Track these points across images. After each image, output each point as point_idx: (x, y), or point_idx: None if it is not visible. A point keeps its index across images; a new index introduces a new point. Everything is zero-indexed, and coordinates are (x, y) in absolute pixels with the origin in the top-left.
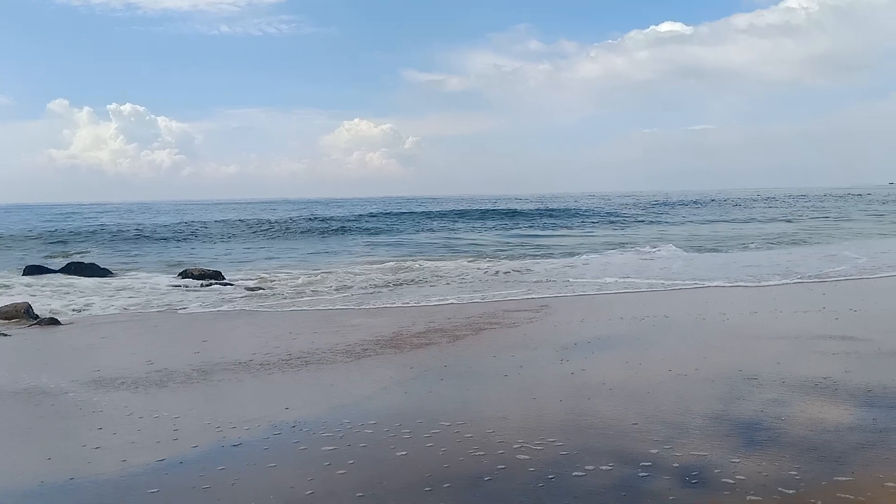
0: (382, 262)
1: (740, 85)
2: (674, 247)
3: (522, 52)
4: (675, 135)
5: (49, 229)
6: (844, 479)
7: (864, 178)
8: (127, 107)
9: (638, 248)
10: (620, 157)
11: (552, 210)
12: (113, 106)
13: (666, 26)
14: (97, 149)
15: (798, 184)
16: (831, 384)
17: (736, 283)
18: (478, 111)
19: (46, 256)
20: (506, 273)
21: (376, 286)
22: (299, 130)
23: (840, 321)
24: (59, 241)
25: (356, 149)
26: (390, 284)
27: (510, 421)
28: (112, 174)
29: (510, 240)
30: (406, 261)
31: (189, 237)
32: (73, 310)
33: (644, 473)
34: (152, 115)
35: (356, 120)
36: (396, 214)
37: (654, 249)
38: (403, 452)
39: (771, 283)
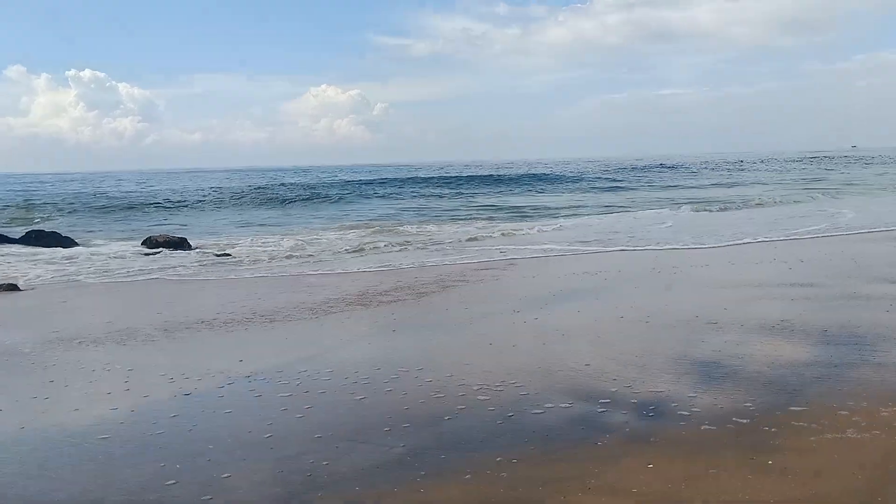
0: (358, 228)
1: (708, 46)
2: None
3: (491, 16)
4: (644, 99)
5: (9, 199)
6: (799, 409)
7: (827, 143)
8: (87, 73)
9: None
10: (589, 121)
11: (542, 175)
12: (72, 72)
13: None
14: (56, 117)
15: (763, 148)
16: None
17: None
18: (447, 76)
19: (6, 223)
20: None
21: (348, 250)
22: (265, 97)
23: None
24: (21, 209)
25: (323, 116)
26: (365, 249)
27: (471, 367)
28: (73, 143)
29: (522, 203)
30: (387, 226)
31: (157, 206)
32: (35, 276)
33: (602, 409)
34: (113, 82)
35: (323, 86)
36: (381, 182)
37: (674, 211)
38: (362, 397)
39: None
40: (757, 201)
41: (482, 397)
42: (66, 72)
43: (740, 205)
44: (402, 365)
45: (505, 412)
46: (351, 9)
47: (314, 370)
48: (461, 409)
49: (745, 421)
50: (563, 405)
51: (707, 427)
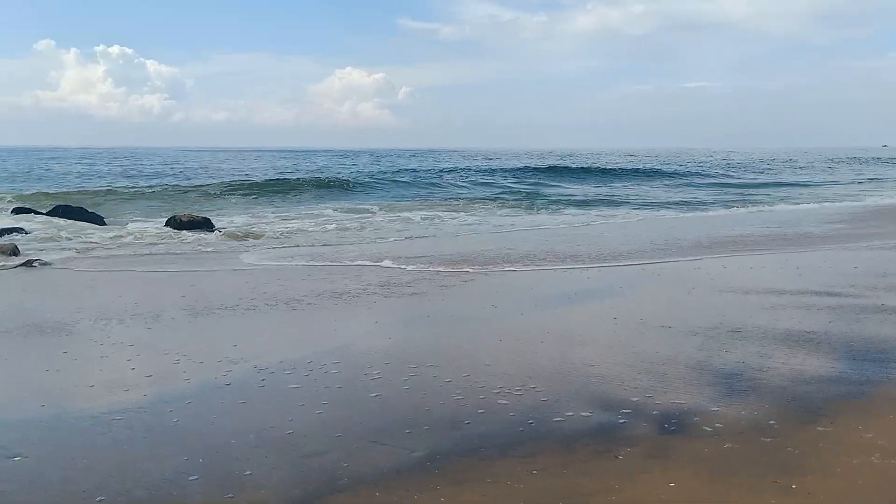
0: (401, 214)
1: (738, 38)
2: None
3: (518, 2)
4: (669, 91)
5: (39, 174)
6: (824, 429)
7: (857, 141)
8: (115, 49)
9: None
10: (615, 112)
11: (621, 169)
12: (101, 48)
13: None
14: (85, 92)
15: (791, 145)
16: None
17: None
18: (473, 61)
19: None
20: None
21: (382, 237)
22: (291, 78)
23: None
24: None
25: (348, 98)
26: (401, 235)
27: (491, 367)
28: (100, 118)
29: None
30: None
31: (188, 189)
32: (58, 251)
33: (623, 420)
34: (141, 59)
35: (348, 69)
36: (438, 171)
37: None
38: (380, 394)
39: None
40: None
41: (502, 401)
42: (95, 47)
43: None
44: (420, 362)
45: (525, 418)
46: None
47: (331, 363)
48: (481, 413)
49: (768, 440)
50: (584, 414)
51: (730, 445)
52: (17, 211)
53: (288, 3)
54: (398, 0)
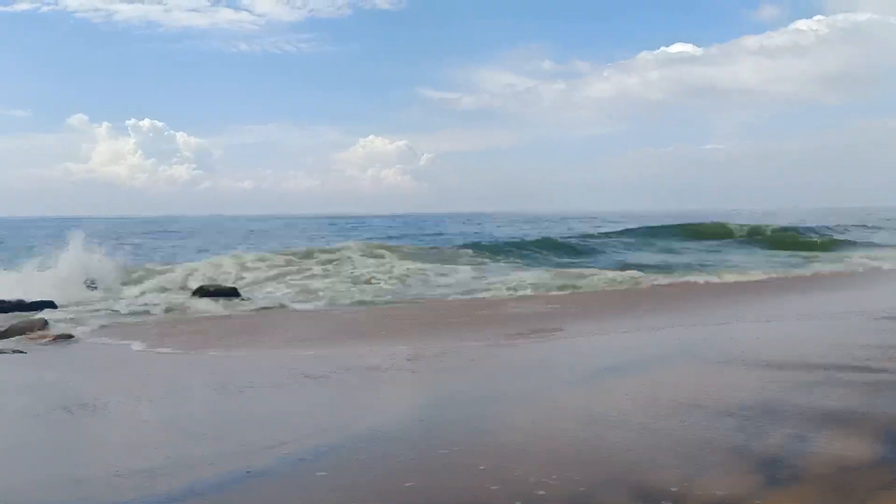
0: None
1: (751, 103)
2: None
3: (536, 71)
4: (687, 154)
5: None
6: None
7: (875, 198)
8: (146, 122)
9: None
10: (634, 174)
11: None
12: (132, 122)
13: (677, 47)
14: (115, 163)
15: (813, 203)
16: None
17: None
18: (492, 128)
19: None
20: None
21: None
22: (315, 147)
23: None
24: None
25: (371, 165)
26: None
27: (524, 453)
28: (129, 189)
29: None
30: None
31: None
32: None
33: None
34: (171, 131)
35: (371, 137)
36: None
37: None
38: (411, 483)
39: None
40: None
41: (540, 492)
42: (127, 121)
43: None
44: (449, 444)
45: None
46: (400, 64)
47: (358, 447)
48: None
49: None
50: None
51: None
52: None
53: (311, 75)
54: (420, 71)
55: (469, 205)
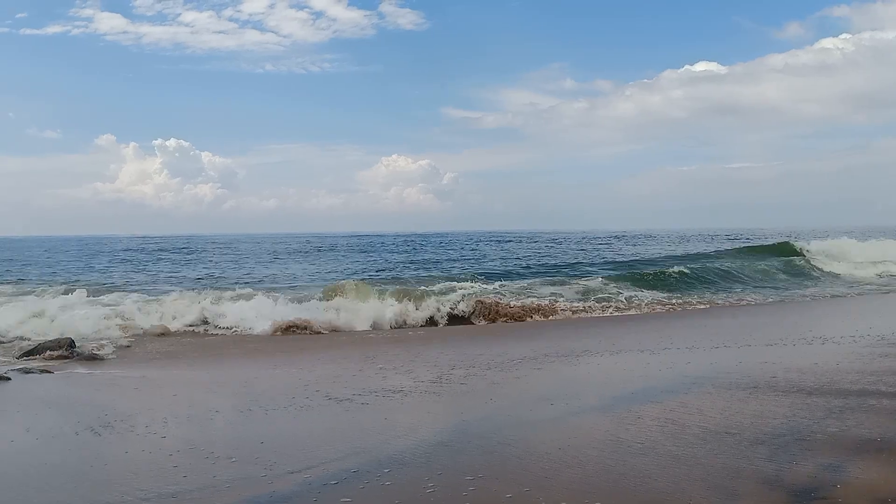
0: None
1: (776, 122)
2: None
3: (558, 91)
4: (712, 173)
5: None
6: None
7: None
8: (172, 142)
9: None
10: (658, 192)
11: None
12: (158, 141)
13: (701, 66)
14: (142, 183)
15: (840, 222)
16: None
17: None
18: (514, 147)
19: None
20: None
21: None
22: (338, 166)
23: None
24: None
25: (394, 184)
26: None
27: (550, 480)
28: (155, 208)
29: None
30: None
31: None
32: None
33: None
34: (196, 151)
35: (394, 156)
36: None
37: None
38: None
39: None
40: None
41: None
42: (154, 140)
43: None
44: (474, 472)
45: None
46: (423, 84)
47: (377, 473)
48: None
49: None
50: None
51: None
52: None
53: (335, 95)
54: (442, 91)
55: (491, 223)
